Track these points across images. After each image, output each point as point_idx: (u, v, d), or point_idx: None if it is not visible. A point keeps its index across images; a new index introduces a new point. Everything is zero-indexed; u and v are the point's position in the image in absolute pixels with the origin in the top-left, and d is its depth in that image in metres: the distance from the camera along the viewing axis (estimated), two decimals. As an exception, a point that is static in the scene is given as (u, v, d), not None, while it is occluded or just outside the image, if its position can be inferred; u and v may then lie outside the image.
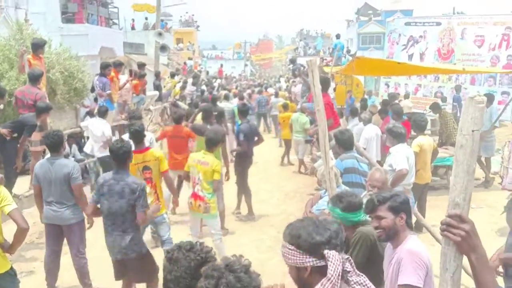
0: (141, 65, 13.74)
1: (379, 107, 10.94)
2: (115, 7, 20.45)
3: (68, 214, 5.02)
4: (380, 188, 4.27)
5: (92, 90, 11.07)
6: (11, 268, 4.04)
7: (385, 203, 2.95)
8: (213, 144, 5.91)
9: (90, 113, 11.29)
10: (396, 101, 11.59)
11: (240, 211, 8.18)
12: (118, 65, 11.07)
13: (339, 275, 1.89)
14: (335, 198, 3.59)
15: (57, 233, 5.17)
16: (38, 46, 8.53)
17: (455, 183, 1.72)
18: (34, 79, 7.84)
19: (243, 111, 8.35)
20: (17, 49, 9.96)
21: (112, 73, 10.38)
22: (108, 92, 9.78)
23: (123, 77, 11.43)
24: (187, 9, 50.33)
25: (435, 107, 11.19)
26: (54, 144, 5.07)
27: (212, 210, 5.83)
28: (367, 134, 8.25)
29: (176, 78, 18.30)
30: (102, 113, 8.76)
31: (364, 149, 7.65)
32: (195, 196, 5.79)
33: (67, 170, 4.97)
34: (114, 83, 10.29)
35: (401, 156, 5.85)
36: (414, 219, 6.16)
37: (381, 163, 7.20)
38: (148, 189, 5.04)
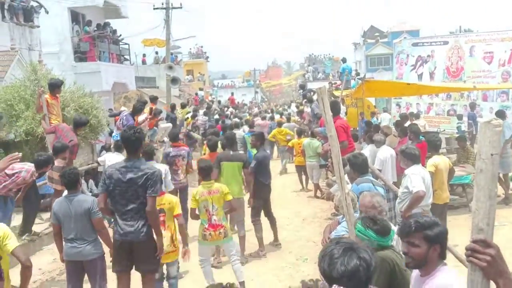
0: (153, 99, 13.93)
1: (392, 128, 10.90)
2: (126, 44, 20.88)
3: (89, 249, 5.05)
4: (369, 213, 4.20)
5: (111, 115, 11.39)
6: None
7: (421, 231, 2.70)
8: (209, 171, 6.14)
9: (105, 148, 11.45)
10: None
11: (280, 243, 7.96)
12: (139, 110, 11.66)
13: None
14: (367, 220, 3.49)
15: (78, 270, 5.18)
16: (55, 86, 8.76)
17: (477, 208, 1.71)
18: (77, 125, 8.12)
19: (258, 137, 8.19)
20: (32, 90, 10.20)
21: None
22: None
23: (142, 116, 11.78)
24: (196, 41, 51.21)
25: (461, 139, 10.49)
26: (71, 181, 5.17)
27: (229, 232, 6.12)
28: (382, 155, 8.20)
29: (187, 108, 18.53)
30: (119, 147, 8.88)
31: (380, 171, 7.62)
32: (213, 226, 5.92)
33: (87, 205, 5.03)
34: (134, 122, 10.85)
35: (417, 178, 5.79)
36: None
37: (397, 184, 7.15)
38: (163, 232, 5.13)
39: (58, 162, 7.57)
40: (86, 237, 5.05)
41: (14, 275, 4.04)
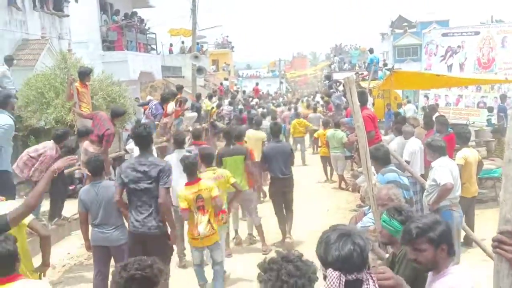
0: (179, 88, 14.07)
1: (420, 120, 10.73)
2: (153, 33, 21.02)
3: (117, 235, 5.15)
4: (386, 206, 4.13)
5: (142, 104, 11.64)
6: None
7: (423, 236, 2.60)
8: (211, 158, 6.39)
9: (132, 136, 11.61)
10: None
11: (291, 236, 7.64)
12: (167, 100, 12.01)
13: None
14: (392, 210, 3.40)
15: (104, 255, 5.29)
16: (85, 74, 8.91)
17: (505, 199, 1.69)
18: (114, 115, 8.18)
19: (274, 130, 8.03)
20: (62, 78, 10.38)
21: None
22: (157, 122, 10.49)
23: (170, 105, 11.99)
24: (221, 30, 51.19)
25: (496, 131, 10.42)
26: (96, 168, 5.29)
27: (227, 220, 6.28)
28: (411, 147, 8.06)
29: (213, 99, 18.56)
30: None
31: (408, 162, 7.53)
32: (218, 212, 6.01)
33: (114, 190, 5.13)
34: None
35: (444, 170, 5.69)
36: (463, 234, 6.03)
37: (424, 176, 7.04)
38: (201, 218, 5.37)
39: (93, 149, 7.75)
40: (113, 222, 5.15)
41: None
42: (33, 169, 7.03)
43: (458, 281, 2.58)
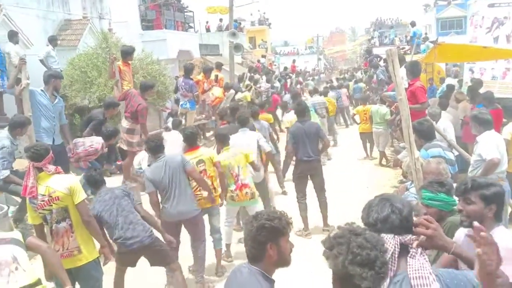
0: (218, 65, 14.11)
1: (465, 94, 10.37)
2: (191, 11, 21.06)
3: (188, 208, 5.35)
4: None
5: (175, 91, 11.75)
6: (98, 257, 4.32)
7: (477, 190, 2.69)
8: (226, 139, 6.41)
9: (172, 115, 11.78)
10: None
11: (328, 228, 7.13)
12: (208, 71, 12.13)
13: None
14: (435, 185, 3.35)
15: (174, 227, 5.40)
16: (127, 53, 9.01)
17: None
18: (143, 89, 8.22)
19: (298, 110, 7.43)
20: (104, 57, 10.60)
21: (199, 77, 11.70)
22: (196, 93, 10.53)
23: (216, 90, 12.13)
24: (258, 6, 50.62)
25: None
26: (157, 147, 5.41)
27: (255, 194, 6.31)
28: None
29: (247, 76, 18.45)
30: (176, 125, 9.02)
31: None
32: (240, 187, 6.13)
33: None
34: (199, 86, 11.04)
35: (490, 144, 5.52)
36: (510, 210, 5.86)
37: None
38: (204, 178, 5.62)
39: (127, 124, 7.89)
40: (184, 196, 5.28)
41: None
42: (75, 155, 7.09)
43: (503, 241, 2.44)
